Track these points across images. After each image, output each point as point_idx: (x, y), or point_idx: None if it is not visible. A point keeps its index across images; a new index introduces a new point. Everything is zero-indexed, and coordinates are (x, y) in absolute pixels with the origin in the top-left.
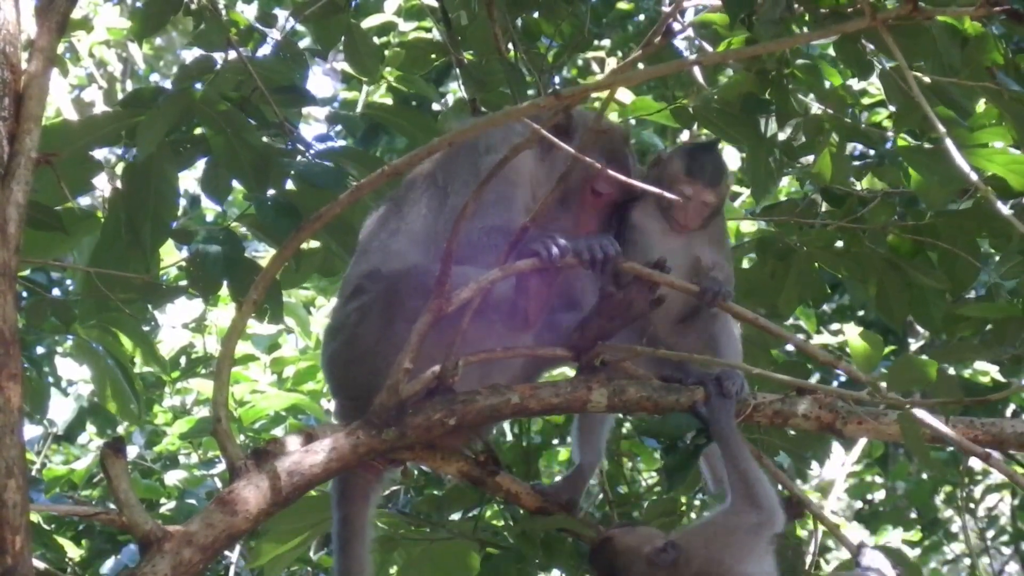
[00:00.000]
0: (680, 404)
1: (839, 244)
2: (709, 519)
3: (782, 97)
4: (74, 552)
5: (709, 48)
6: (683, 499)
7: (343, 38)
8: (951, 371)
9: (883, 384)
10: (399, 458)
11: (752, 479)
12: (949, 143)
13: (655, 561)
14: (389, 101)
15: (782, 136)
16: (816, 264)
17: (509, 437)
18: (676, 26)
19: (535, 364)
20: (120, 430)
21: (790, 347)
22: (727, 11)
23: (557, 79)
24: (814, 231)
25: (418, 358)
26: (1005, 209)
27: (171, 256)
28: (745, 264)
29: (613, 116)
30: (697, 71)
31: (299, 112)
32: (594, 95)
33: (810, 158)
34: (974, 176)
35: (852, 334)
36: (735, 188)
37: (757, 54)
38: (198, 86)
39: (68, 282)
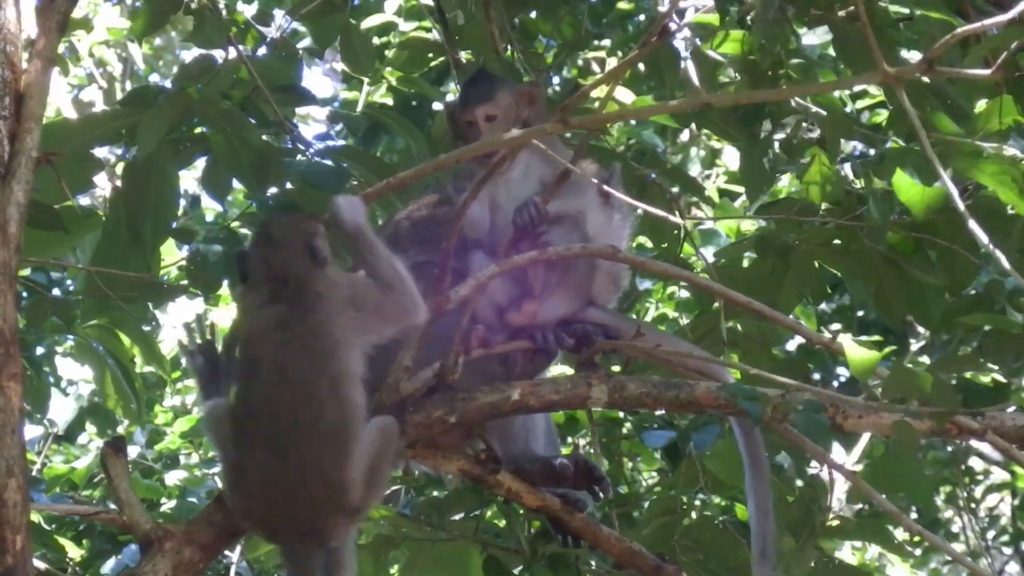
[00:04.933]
0: (680, 400)
1: (837, 242)
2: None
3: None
4: (75, 552)
5: (712, 54)
6: (683, 499)
7: (339, 36)
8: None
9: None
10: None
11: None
12: (934, 157)
13: None
14: (390, 101)
15: (780, 135)
16: (816, 262)
17: None
18: (672, 26)
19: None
20: (120, 430)
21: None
22: (717, 8)
23: (556, 79)
24: (813, 229)
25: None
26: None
27: (172, 255)
28: (745, 263)
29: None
30: (692, 73)
31: (294, 111)
32: (593, 95)
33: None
34: (955, 191)
35: (847, 341)
36: (733, 187)
37: (761, 99)
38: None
39: (69, 282)
